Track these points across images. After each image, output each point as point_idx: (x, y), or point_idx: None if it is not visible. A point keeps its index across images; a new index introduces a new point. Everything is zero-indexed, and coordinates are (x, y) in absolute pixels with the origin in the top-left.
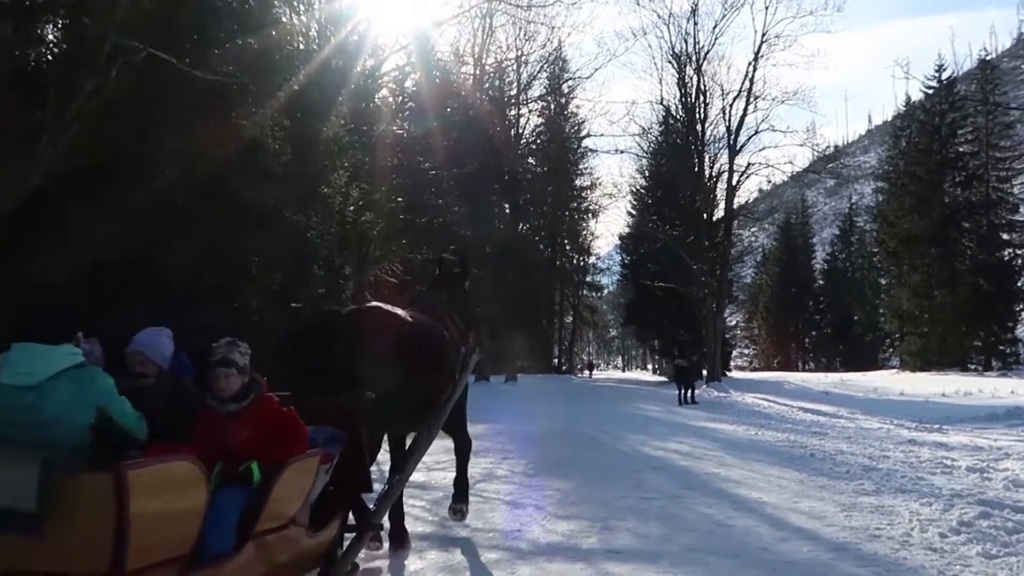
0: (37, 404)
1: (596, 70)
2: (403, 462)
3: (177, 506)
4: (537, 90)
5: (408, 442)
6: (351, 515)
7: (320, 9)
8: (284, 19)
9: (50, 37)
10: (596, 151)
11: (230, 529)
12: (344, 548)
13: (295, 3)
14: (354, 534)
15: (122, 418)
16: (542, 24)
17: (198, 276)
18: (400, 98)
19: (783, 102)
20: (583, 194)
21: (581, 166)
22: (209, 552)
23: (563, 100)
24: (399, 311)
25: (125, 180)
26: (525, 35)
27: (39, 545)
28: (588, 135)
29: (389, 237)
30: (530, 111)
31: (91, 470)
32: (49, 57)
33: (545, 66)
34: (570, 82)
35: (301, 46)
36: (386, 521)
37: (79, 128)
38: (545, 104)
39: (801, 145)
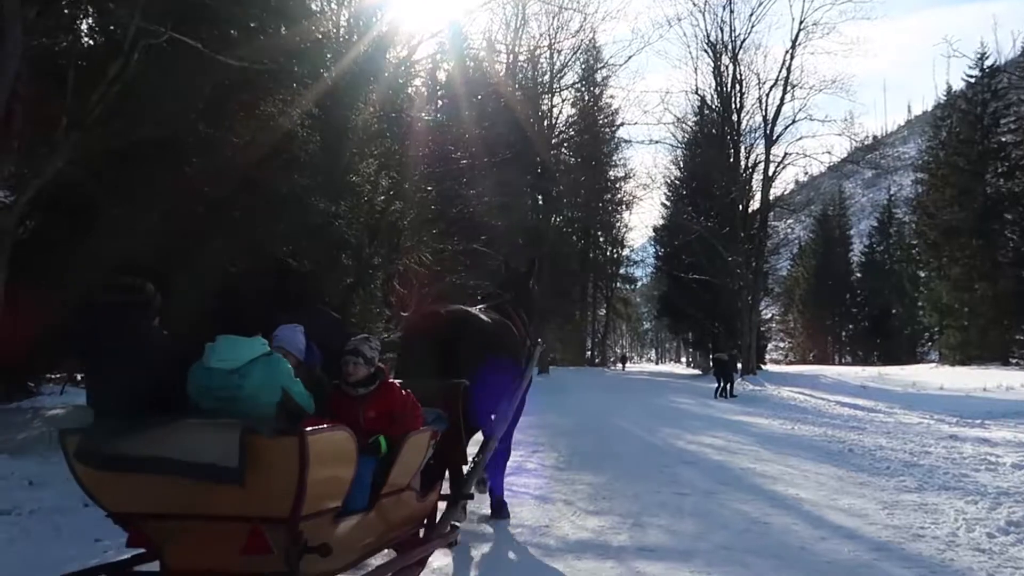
0: (238, 384)
1: (629, 58)
2: (484, 441)
3: (337, 466)
4: (570, 78)
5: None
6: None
7: None
8: (315, 6)
9: (76, 23)
10: (630, 142)
11: (366, 490)
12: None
13: None
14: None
15: (298, 397)
16: (575, 11)
17: (224, 265)
18: (432, 87)
19: (821, 91)
20: (617, 185)
21: (615, 157)
22: (350, 507)
23: (597, 91)
24: (478, 311)
25: (151, 166)
26: (558, 23)
27: (239, 493)
28: (622, 124)
29: (420, 227)
30: (563, 100)
31: (279, 435)
32: (71, 39)
33: (578, 55)
34: (603, 70)
35: (332, 33)
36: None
37: (102, 112)
38: (579, 94)
39: (839, 135)
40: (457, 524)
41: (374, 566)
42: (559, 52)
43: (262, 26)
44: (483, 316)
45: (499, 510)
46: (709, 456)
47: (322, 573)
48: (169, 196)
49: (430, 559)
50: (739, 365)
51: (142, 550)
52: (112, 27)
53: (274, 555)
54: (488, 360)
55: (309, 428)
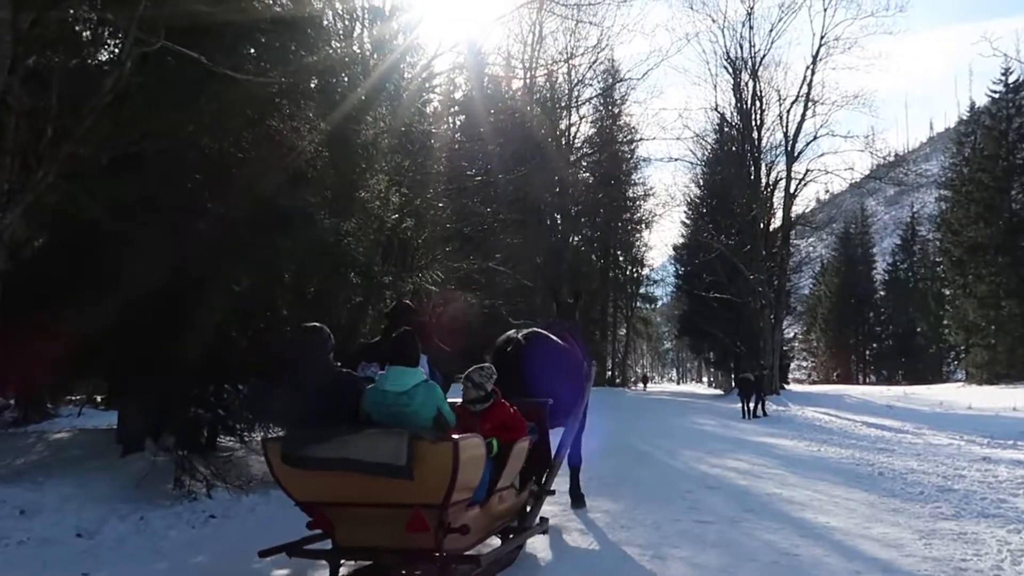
0: (405, 403)
1: (647, 72)
2: (559, 447)
3: (474, 466)
4: (587, 93)
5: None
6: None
7: (363, 8)
8: (325, 21)
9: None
10: (649, 160)
11: (485, 486)
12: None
13: (336, 4)
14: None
15: (447, 413)
16: (591, 23)
17: (226, 282)
18: (448, 104)
19: (843, 106)
20: (636, 204)
21: (634, 176)
22: (475, 499)
23: (615, 110)
24: (554, 337)
25: (153, 182)
26: (575, 40)
27: (407, 484)
28: (640, 139)
29: (434, 244)
30: (581, 118)
31: (437, 440)
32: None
33: (596, 71)
34: (621, 85)
35: (343, 47)
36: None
37: (95, 123)
38: (597, 113)
39: (861, 151)
40: (547, 517)
41: (486, 551)
42: (576, 68)
43: (269, 41)
44: (560, 344)
45: (577, 500)
46: (733, 480)
47: (458, 549)
48: (171, 213)
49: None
50: (773, 384)
51: (318, 531)
52: (107, 36)
53: (428, 533)
54: (560, 381)
55: (458, 436)
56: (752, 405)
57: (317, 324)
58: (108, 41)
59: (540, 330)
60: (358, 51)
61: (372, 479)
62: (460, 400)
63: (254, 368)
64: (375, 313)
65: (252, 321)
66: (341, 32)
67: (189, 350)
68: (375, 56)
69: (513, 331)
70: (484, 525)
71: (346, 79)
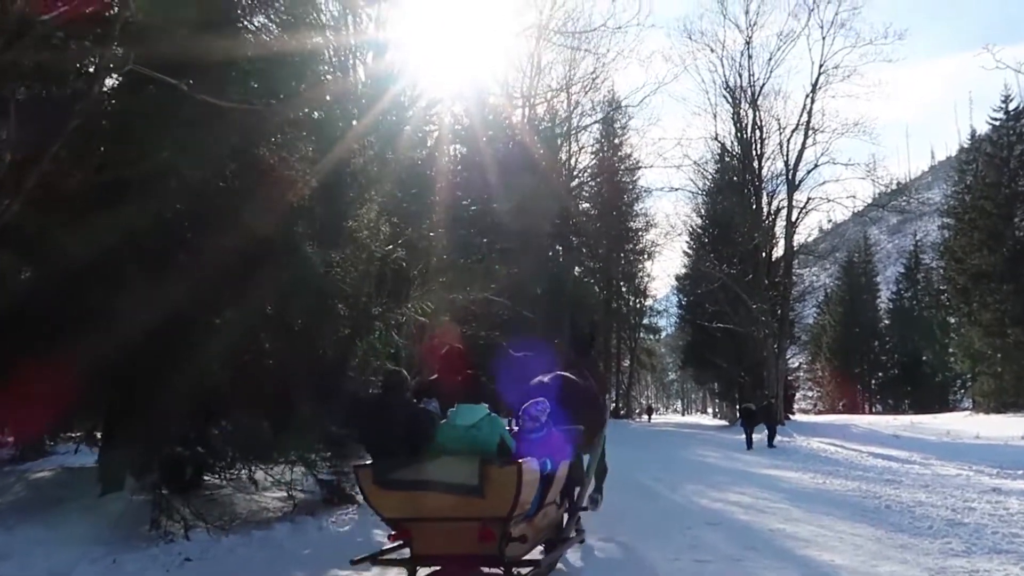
0: (475, 434)
1: (644, 99)
2: (588, 468)
3: (531, 484)
4: (588, 125)
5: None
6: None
7: (351, 35)
8: (308, 44)
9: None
10: (651, 191)
11: (536, 501)
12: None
13: (325, 30)
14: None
15: (508, 441)
16: (586, 51)
17: (207, 316)
18: (445, 134)
19: (843, 134)
20: (639, 234)
21: (636, 207)
22: (528, 514)
23: (616, 140)
24: (574, 377)
25: (125, 208)
26: (573, 71)
27: (479, 500)
28: (640, 166)
29: (428, 275)
30: (580, 148)
31: (503, 464)
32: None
33: (593, 99)
34: (621, 115)
35: (332, 73)
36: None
37: (61, 149)
38: (598, 144)
39: (863, 178)
40: (583, 528)
41: (534, 558)
42: (574, 96)
43: (252, 68)
44: (579, 381)
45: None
46: (735, 515)
47: (516, 556)
48: (150, 242)
49: None
50: (778, 415)
51: (399, 543)
52: (75, 68)
53: (494, 543)
54: (584, 415)
55: (520, 460)
56: (758, 435)
57: (397, 368)
58: (78, 68)
59: (565, 374)
60: (352, 80)
61: (448, 497)
62: (517, 428)
63: (238, 403)
64: (365, 345)
65: (234, 355)
66: (335, 62)
67: (167, 385)
68: (368, 83)
69: (543, 376)
70: (533, 536)
71: (338, 110)
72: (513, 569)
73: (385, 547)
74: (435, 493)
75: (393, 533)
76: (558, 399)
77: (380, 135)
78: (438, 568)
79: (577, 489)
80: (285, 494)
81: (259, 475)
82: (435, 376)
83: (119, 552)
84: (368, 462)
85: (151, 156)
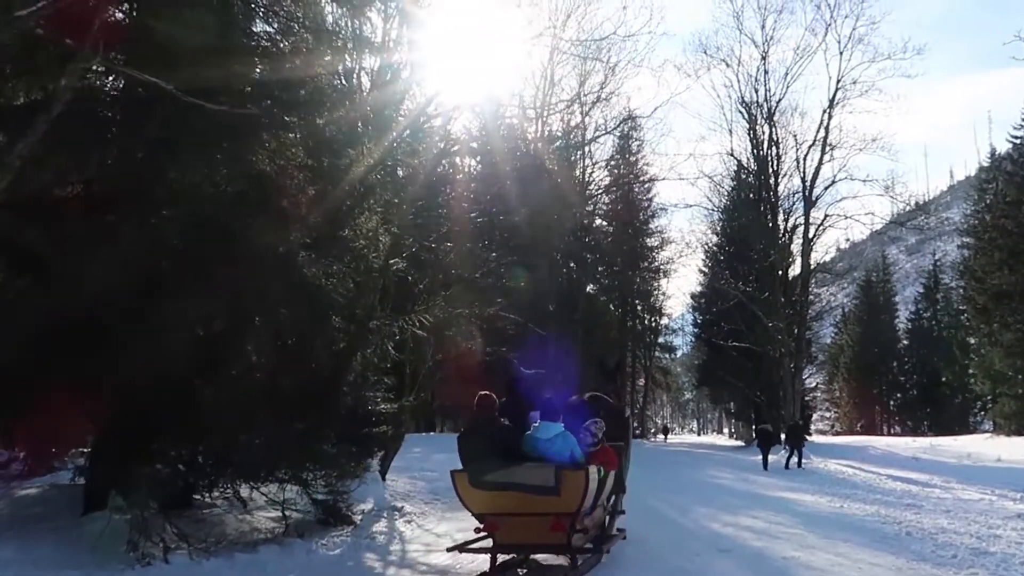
0: (552, 446)
1: (656, 108)
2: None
3: (593, 487)
4: (599, 136)
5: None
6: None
7: (350, 39)
8: (306, 50)
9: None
10: (666, 208)
11: (593, 499)
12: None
13: (322, 34)
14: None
15: (577, 452)
16: (597, 59)
17: (201, 325)
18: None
19: (861, 150)
20: (654, 252)
21: (652, 224)
22: (587, 511)
23: (631, 157)
24: (606, 397)
25: (113, 217)
26: (585, 78)
27: (555, 499)
28: (653, 180)
29: (432, 288)
30: (594, 163)
31: (574, 469)
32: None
33: (607, 115)
34: (637, 131)
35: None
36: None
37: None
38: (614, 162)
39: (881, 195)
40: (624, 528)
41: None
42: (588, 110)
43: (243, 69)
44: (615, 403)
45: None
46: (747, 542)
47: (578, 544)
48: (133, 249)
49: None
50: (806, 436)
51: (484, 534)
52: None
53: (564, 533)
54: (617, 432)
55: (588, 466)
56: (774, 456)
57: (487, 392)
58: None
59: (599, 393)
60: (352, 88)
61: (529, 496)
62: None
63: (225, 419)
64: (363, 358)
65: (219, 368)
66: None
67: (151, 399)
68: (368, 87)
69: (576, 396)
70: (590, 529)
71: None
72: (578, 556)
73: (469, 540)
74: (518, 492)
75: (480, 526)
76: (597, 415)
77: (381, 144)
78: (515, 556)
79: (613, 497)
80: (279, 514)
81: (253, 495)
82: (504, 399)
83: None
84: (462, 468)
85: (139, 163)
